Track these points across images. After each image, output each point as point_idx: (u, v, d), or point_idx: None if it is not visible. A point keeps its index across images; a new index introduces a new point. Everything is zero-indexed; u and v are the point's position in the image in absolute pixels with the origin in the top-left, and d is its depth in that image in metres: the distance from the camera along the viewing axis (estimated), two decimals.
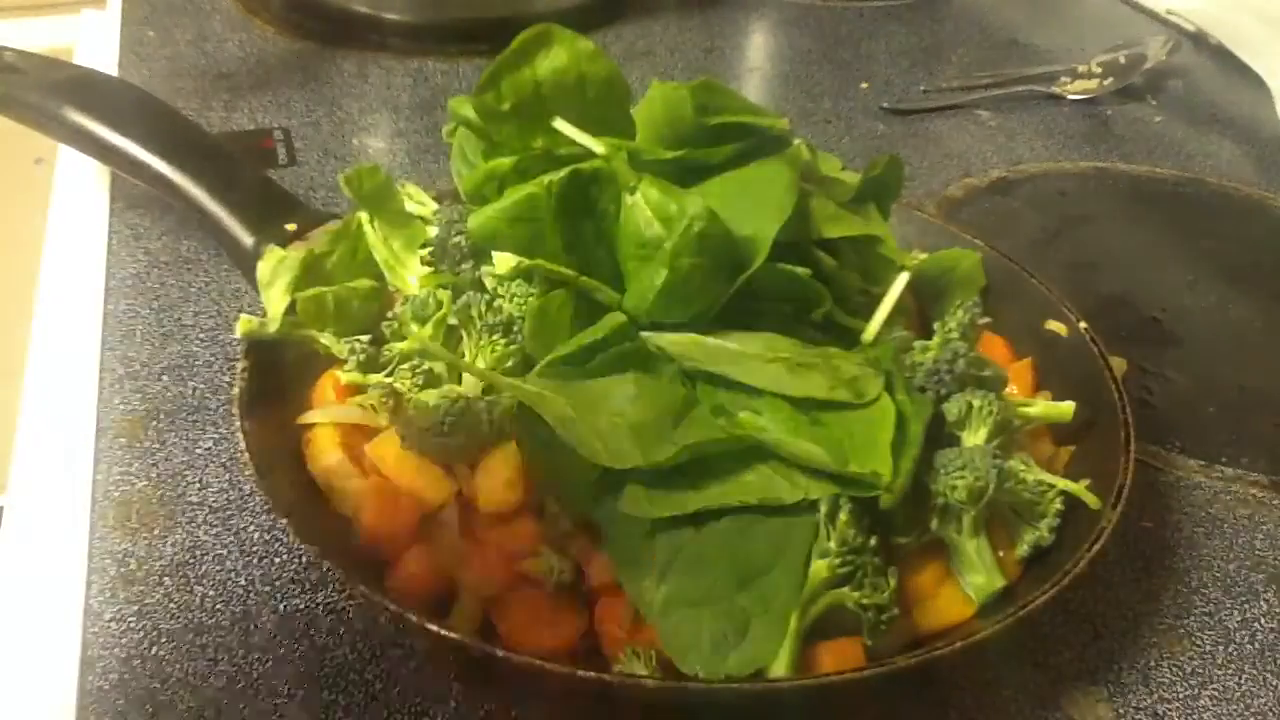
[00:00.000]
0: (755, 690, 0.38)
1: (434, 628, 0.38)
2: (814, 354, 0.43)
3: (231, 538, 0.48)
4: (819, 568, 0.40)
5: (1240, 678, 0.46)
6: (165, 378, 0.56)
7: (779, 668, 0.38)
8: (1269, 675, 0.46)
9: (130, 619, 0.44)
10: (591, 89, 0.44)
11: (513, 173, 0.46)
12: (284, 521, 0.41)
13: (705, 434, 0.41)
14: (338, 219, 0.54)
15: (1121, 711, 0.44)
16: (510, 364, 0.45)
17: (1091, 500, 0.44)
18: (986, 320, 0.49)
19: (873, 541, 0.40)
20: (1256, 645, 0.47)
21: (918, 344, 0.47)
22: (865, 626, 0.40)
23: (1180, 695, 0.45)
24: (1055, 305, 0.53)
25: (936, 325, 0.48)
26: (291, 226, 0.55)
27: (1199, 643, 0.47)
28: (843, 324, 0.46)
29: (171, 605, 0.45)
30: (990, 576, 0.43)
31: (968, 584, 0.43)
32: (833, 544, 0.40)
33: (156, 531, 0.48)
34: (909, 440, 0.42)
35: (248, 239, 0.55)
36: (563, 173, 0.44)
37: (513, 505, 0.43)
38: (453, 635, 0.39)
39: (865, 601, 0.40)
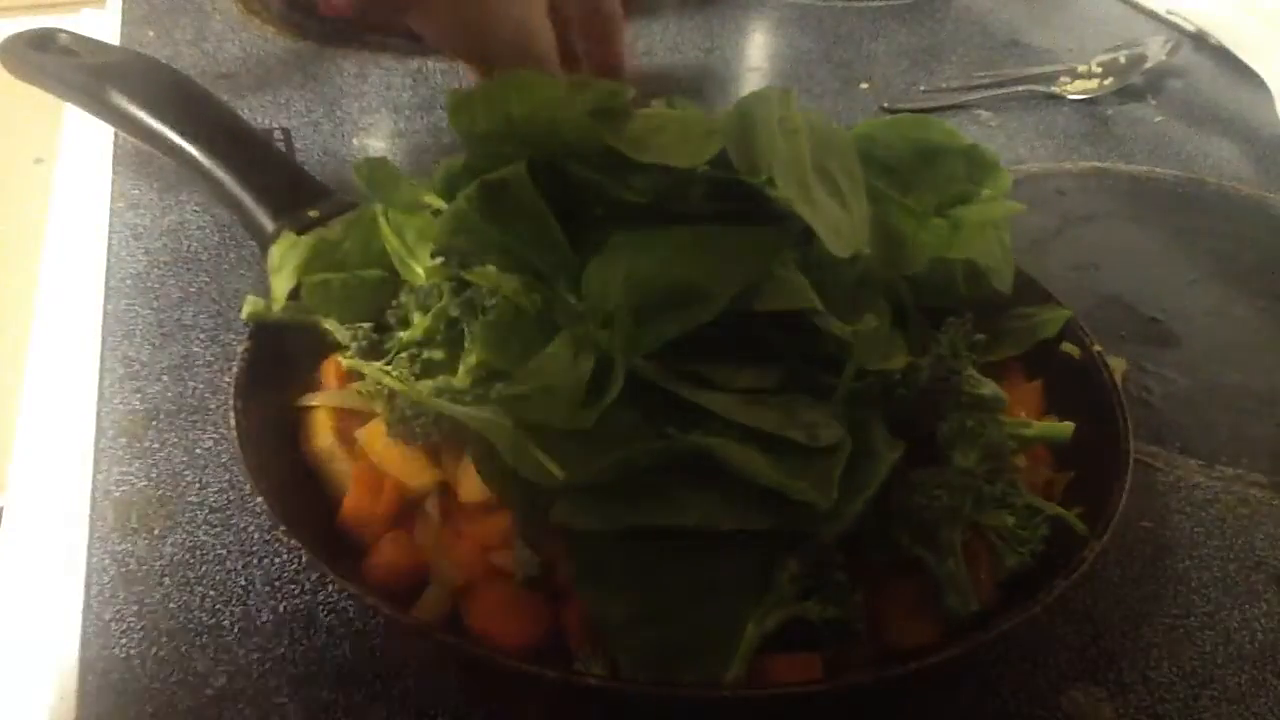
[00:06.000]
0: (697, 695, 0.39)
1: (388, 610, 0.39)
2: (779, 399, 0.43)
3: (231, 538, 0.48)
4: (780, 579, 0.40)
5: (1240, 678, 0.46)
6: (165, 378, 0.56)
7: (730, 678, 0.38)
8: (1269, 675, 0.46)
9: (130, 619, 0.44)
10: (564, 130, 0.44)
11: (464, 173, 0.46)
12: (260, 498, 0.42)
13: (638, 447, 0.40)
14: (361, 207, 0.55)
15: (1121, 711, 0.44)
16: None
17: (1079, 528, 0.44)
18: (981, 337, 0.48)
19: (838, 556, 0.40)
20: (1256, 645, 0.47)
21: (912, 362, 0.47)
22: (826, 641, 0.40)
23: (1180, 695, 0.45)
24: (1070, 327, 0.53)
25: (931, 343, 0.47)
26: (314, 213, 0.56)
27: (1199, 643, 0.47)
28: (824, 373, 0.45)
29: (171, 605, 0.45)
30: (964, 599, 0.42)
31: (941, 605, 0.42)
32: (796, 556, 0.40)
33: (156, 531, 0.48)
34: (866, 481, 0.41)
35: (270, 224, 0.56)
36: (472, 186, 0.44)
37: (493, 497, 0.43)
38: (408, 619, 0.40)
39: (828, 616, 0.40)
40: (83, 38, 0.69)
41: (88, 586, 0.46)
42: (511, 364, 0.44)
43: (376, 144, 0.77)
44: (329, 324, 0.50)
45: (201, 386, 0.55)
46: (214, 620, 0.44)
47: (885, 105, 0.86)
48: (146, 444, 0.52)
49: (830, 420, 0.41)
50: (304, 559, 0.41)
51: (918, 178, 0.51)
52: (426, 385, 0.46)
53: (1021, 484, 0.45)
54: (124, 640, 0.44)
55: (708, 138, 0.44)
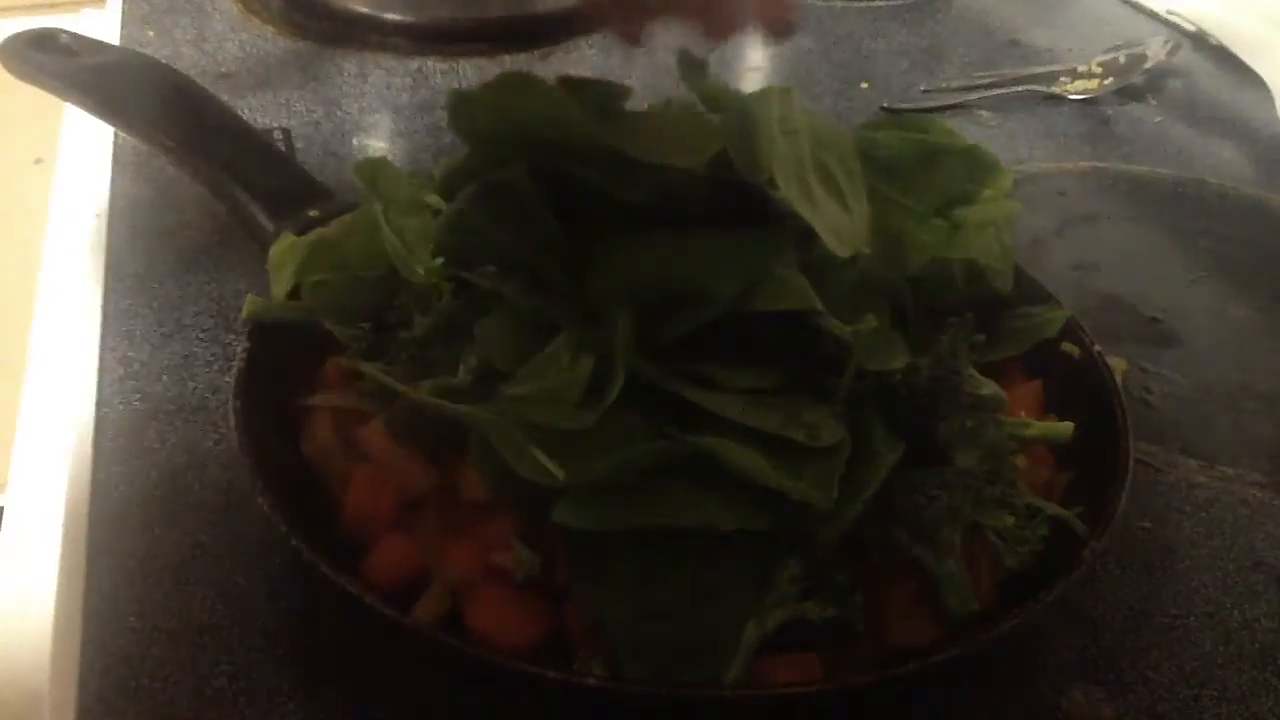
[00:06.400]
0: (697, 695, 0.39)
1: (388, 611, 0.39)
2: (780, 399, 0.42)
3: (231, 538, 0.48)
4: (780, 579, 0.40)
5: (1240, 678, 0.46)
6: (165, 378, 0.56)
7: (729, 678, 0.38)
8: (1269, 675, 0.46)
9: (130, 619, 0.44)
10: (565, 130, 0.44)
11: (464, 173, 0.46)
12: (260, 498, 0.42)
13: (639, 447, 0.40)
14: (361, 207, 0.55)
15: (1121, 711, 0.44)
16: None
17: (1079, 528, 0.44)
18: (981, 337, 0.49)
19: (838, 557, 0.40)
20: (1256, 645, 0.47)
21: (912, 362, 0.47)
22: (826, 641, 0.40)
23: (1180, 695, 0.45)
24: (1070, 327, 0.53)
25: (931, 343, 0.47)
26: (314, 213, 0.56)
27: (1199, 643, 0.47)
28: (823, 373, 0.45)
29: (171, 605, 0.45)
30: (963, 599, 0.42)
31: (940, 605, 0.42)
32: (795, 556, 0.40)
33: (156, 531, 0.48)
34: (866, 481, 0.41)
35: (270, 224, 0.56)
36: (472, 186, 0.44)
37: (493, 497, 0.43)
38: (408, 620, 0.40)
39: (827, 616, 0.40)
40: (83, 38, 0.69)
41: (88, 586, 0.46)
42: (511, 364, 0.44)
43: (376, 144, 0.77)
44: (329, 324, 0.50)
45: (201, 386, 0.55)
46: (214, 620, 0.44)
47: (885, 105, 0.86)
48: (146, 444, 0.52)
49: (830, 420, 0.41)
50: (304, 559, 0.41)
51: (918, 179, 0.51)
52: (426, 385, 0.46)
53: (1021, 484, 0.45)
54: (124, 640, 0.43)
55: (708, 138, 0.44)
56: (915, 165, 0.51)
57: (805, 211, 0.42)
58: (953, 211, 0.51)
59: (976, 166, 0.52)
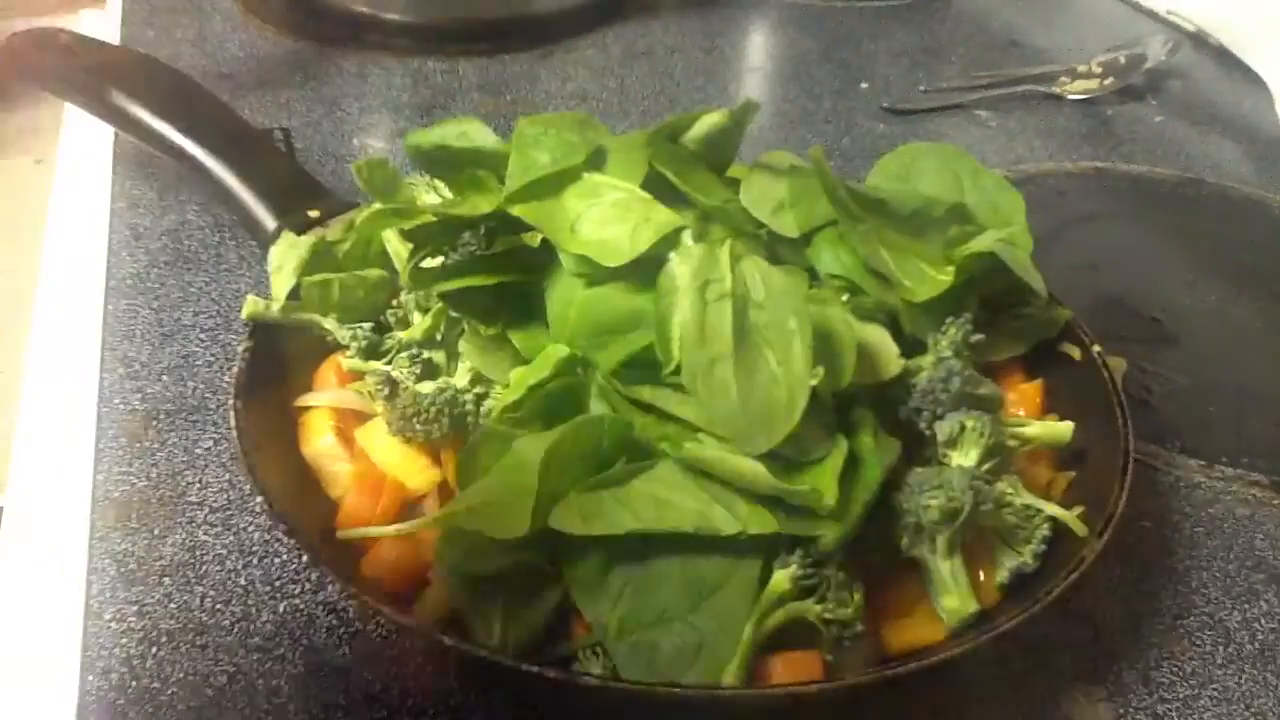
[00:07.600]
0: (697, 695, 0.39)
1: (388, 611, 0.39)
2: None
3: (231, 538, 0.48)
4: (779, 579, 0.40)
5: (1240, 678, 0.46)
6: (165, 378, 0.56)
7: (728, 678, 0.38)
8: (1269, 675, 0.46)
9: (130, 619, 0.44)
10: None
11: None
12: (260, 498, 0.42)
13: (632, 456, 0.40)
14: (361, 207, 0.55)
15: (1121, 711, 0.44)
16: None
17: (1078, 528, 0.44)
18: (980, 337, 0.48)
19: (837, 556, 0.40)
20: (1256, 645, 0.47)
21: (911, 362, 0.46)
22: (826, 641, 0.40)
23: (1180, 695, 0.45)
24: (1070, 327, 0.53)
25: (930, 342, 0.47)
26: (314, 213, 0.56)
27: (1199, 643, 0.47)
28: None
29: (171, 605, 0.45)
30: (963, 599, 0.42)
31: (940, 605, 0.42)
32: (795, 555, 0.40)
33: (156, 531, 0.48)
34: (862, 484, 0.41)
35: (271, 223, 0.56)
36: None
37: None
38: (407, 620, 0.40)
39: (827, 616, 0.40)
40: (83, 38, 0.69)
41: (88, 586, 0.46)
42: (500, 374, 0.45)
43: (376, 144, 0.77)
44: (329, 324, 0.50)
45: (201, 386, 0.55)
46: (214, 620, 0.44)
47: (885, 105, 0.86)
48: (146, 444, 0.52)
49: (818, 431, 0.41)
50: (304, 559, 0.41)
51: (915, 227, 0.51)
52: (427, 386, 0.46)
53: (1021, 484, 0.45)
54: (124, 640, 0.44)
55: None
56: (912, 216, 0.51)
57: (698, 416, 0.41)
58: (958, 250, 0.51)
59: (963, 218, 0.52)
